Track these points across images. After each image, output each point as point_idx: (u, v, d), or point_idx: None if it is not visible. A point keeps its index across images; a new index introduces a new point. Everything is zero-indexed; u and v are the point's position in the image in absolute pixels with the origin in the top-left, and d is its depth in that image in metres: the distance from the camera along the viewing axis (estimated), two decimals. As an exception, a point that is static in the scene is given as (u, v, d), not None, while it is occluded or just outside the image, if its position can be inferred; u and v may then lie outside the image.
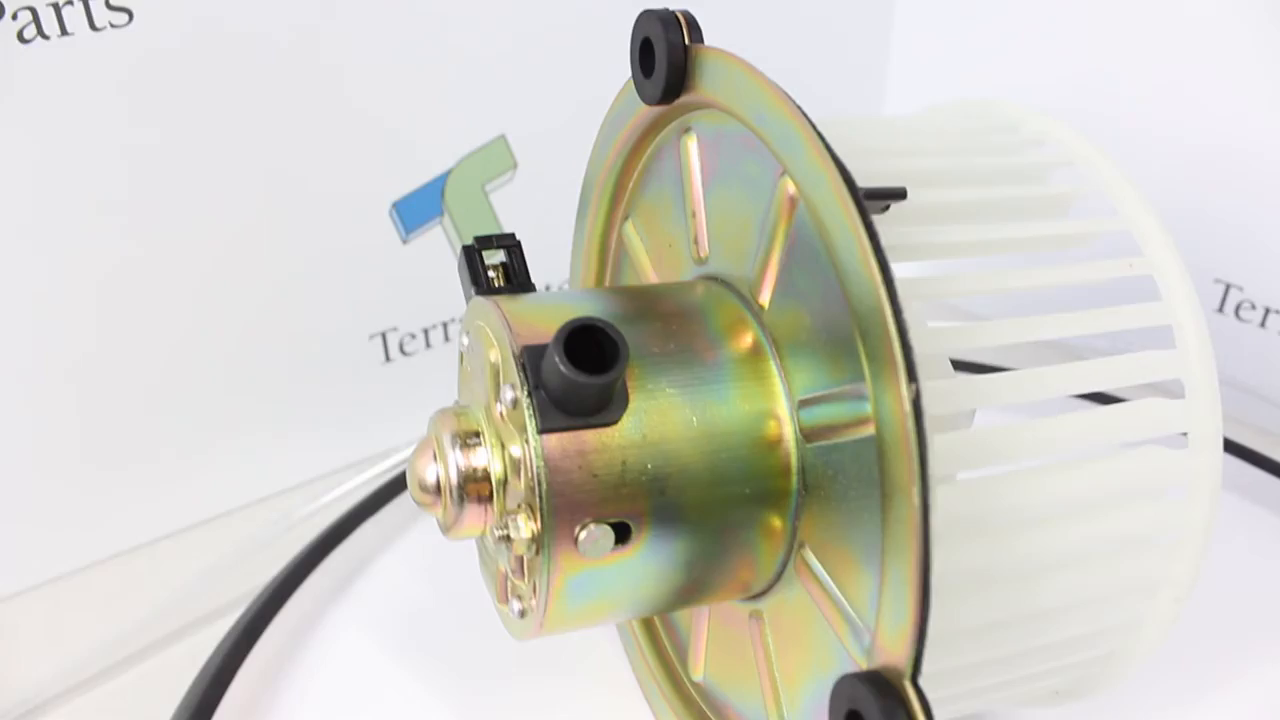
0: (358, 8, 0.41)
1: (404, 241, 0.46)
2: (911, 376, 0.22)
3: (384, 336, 0.47)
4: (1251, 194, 0.48)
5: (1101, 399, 0.42)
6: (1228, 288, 0.50)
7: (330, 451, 0.47)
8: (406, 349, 0.47)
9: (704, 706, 0.34)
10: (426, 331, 0.48)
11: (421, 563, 0.42)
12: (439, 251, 0.47)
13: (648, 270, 0.35)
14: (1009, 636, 0.27)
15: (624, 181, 0.35)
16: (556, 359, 0.25)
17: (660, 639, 0.36)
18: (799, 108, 0.25)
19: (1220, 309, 0.50)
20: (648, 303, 0.30)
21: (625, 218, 0.36)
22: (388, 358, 0.47)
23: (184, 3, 0.38)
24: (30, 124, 0.37)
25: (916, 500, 0.22)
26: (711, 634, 0.33)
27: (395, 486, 0.43)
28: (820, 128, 0.27)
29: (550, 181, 0.46)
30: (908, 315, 0.25)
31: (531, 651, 0.38)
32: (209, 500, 0.45)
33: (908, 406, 0.22)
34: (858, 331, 0.24)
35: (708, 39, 0.29)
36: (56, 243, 0.38)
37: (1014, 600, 0.27)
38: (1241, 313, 0.50)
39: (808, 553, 0.28)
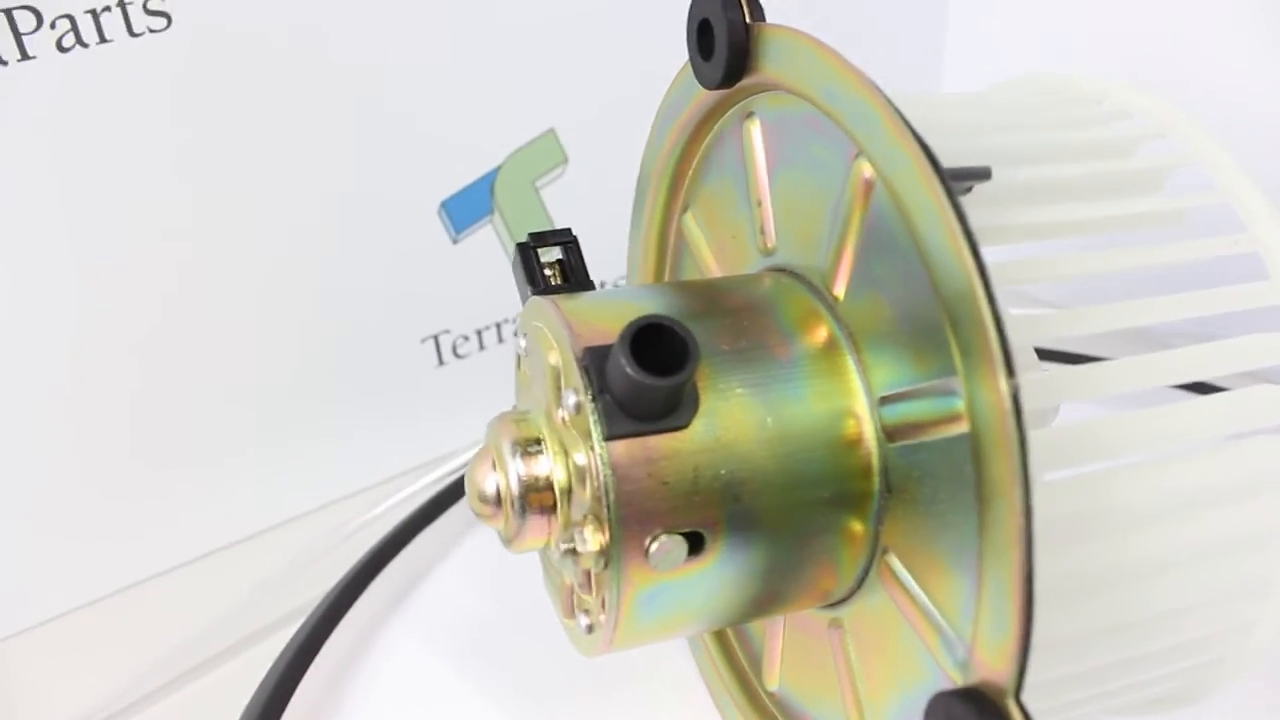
0: (398, 6, 0.40)
1: (454, 241, 0.44)
2: (1010, 370, 0.20)
3: (436, 340, 0.46)
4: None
5: (1199, 390, 0.40)
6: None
7: (385, 458, 0.46)
8: (460, 351, 0.46)
9: (780, 717, 0.33)
10: (480, 333, 0.47)
11: (481, 573, 0.40)
12: (490, 251, 0.45)
13: (710, 263, 0.33)
14: (1110, 645, 0.25)
15: (682, 170, 0.34)
16: (622, 360, 0.23)
17: (733, 648, 0.35)
18: (875, 85, 0.23)
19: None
20: (713, 297, 0.28)
21: (685, 209, 0.34)
22: (441, 361, 0.46)
23: (220, 6, 0.37)
24: (76, 133, 0.36)
25: (1019, 503, 0.20)
26: (787, 642, 0.32)
27: (451, 494, 0.42)
28: (902, 105, 0.25)
29: (603, 175, 0.45)
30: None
31: (597, 666, 0.37)
32: (263, 512, 0.44)
33: (1007, 403, 0.20)
34: (947, 322, 0.22)
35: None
36: (104, 254, 0.38)
37: (1116, 607, 0.25)
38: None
39: (892, 558, 0.26)
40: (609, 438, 0.24)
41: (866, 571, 0.27)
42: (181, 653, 0.38)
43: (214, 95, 0.38)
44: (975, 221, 0.25)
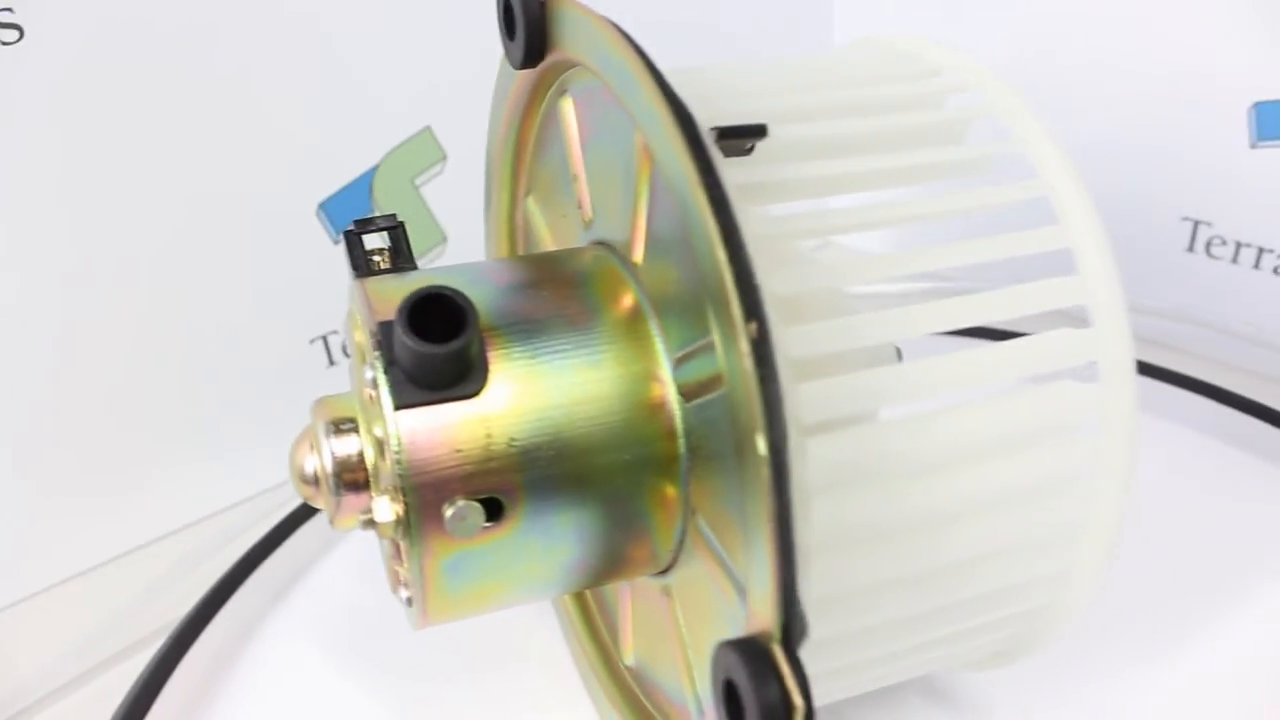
0: (267, 9, 0.40)
1: (335, 242, 0.45)
2: (751, 314, 0.21)
3: (325, 340, 0.46)
4: (1214, 129, 0.46)
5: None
6: (1196, 225, 0.47)
7: (281, 462, 0.46)
8: (350, 350, 0.46)
9: (638, 691, 0.33)
10: (371, 333, 0.47)
11: (362, 566, 0.41)
12: (372, 250, 0.46)
13: (548, 244, 0.33)
14: (917, 594, 0.26)
15: (520, 156, 0.34)
16: (401, 330, 0.24)
17: (597, 625, 0.35)
18: (638, 48, 0.24)
19: (1190, 248, 0.48)
20: (526, 272, 0.29)
21: (527, 193, 0.35)
22: (331, 361, 0.46)
23: (77, 13, 0.37)
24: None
25: (763, 448, 0.21)
26: (635, 614, 0.32)
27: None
28: (687, 73, 0.26)
29: (482, 170, 0.45)
30: (783, 253, 0.24)
31: (474, 647, 0.37)
32: (150, 523, 0.44)
33: (744, 345, 0.21)
34: (701, 275, 0.22)
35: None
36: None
37: (915, 554, 0.25)
38: (1213, 249, 0.47)
39: (699, 520, 0.26)
40: (399, 407, 0.25)
41: (684, 535, 0.27)
42: (54, 668, 0.38)
43: (78, 104, 0.38)
44: (752, 178, 0.25)
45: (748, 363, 0.21)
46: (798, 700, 0.20)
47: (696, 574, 0.27)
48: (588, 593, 0.36)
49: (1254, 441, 0.42)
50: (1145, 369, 0.43)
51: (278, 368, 0.45)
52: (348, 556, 0.41)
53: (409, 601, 0.27)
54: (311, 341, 0.46)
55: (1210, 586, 0.37)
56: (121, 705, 0.34)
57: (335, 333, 0.46)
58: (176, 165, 0.41)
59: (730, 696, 0.22)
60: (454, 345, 0.24)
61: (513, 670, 0.36)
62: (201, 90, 0.40)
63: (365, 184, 0.45)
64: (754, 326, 0.21)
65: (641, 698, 0.33)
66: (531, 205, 0.34)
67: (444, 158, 0.46)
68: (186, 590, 0.39)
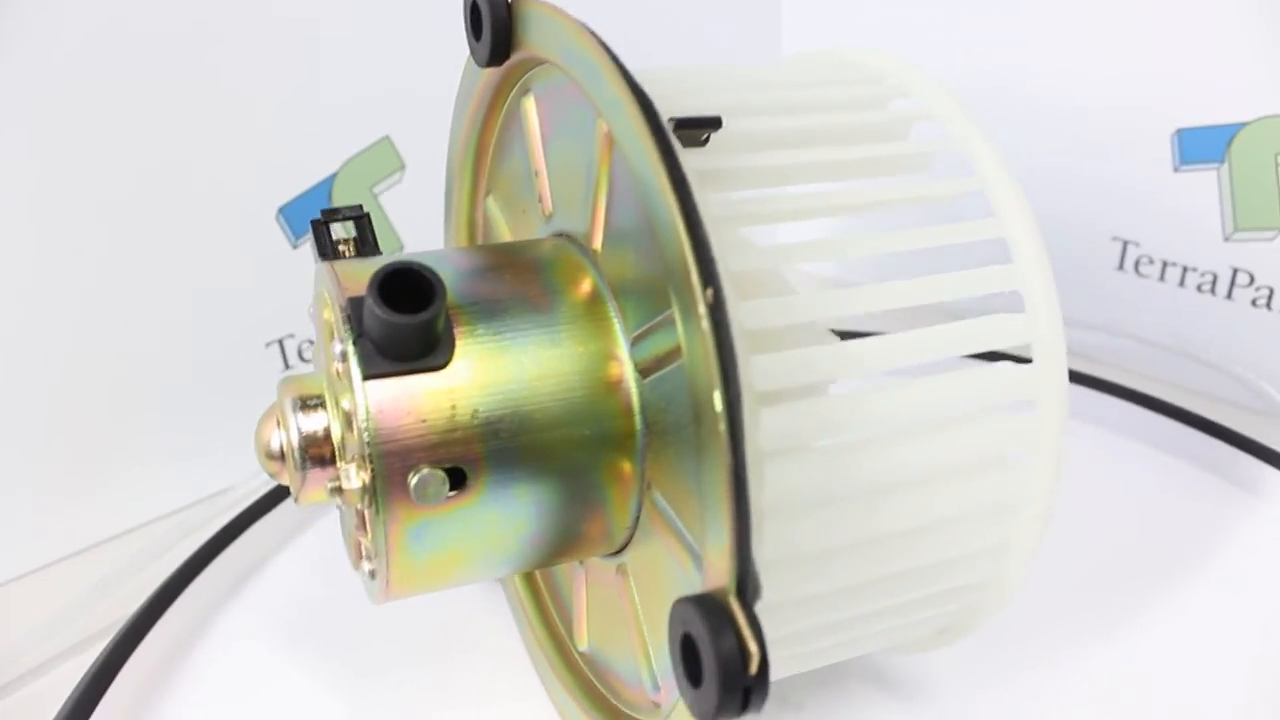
0: (230, 14, 0.41)
1: (294, 247, 0.46)
2: (707, 281, 0.22)
3: (281, 344, 0.47)
4: (1141, 154, 0.48)
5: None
6: (1125, 245, 0.50)
7: (235, 463, 0.46)
8: (306, 355, 0.47)
9: (590, 676, 0.34)
10: (327, 338, 0.47)
11: (317, 560, 0.41)
12: (331, 256, 0.46)
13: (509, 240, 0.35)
14: (858, 563, 0.27)
15: (481, 158, 0.35)
16: (371, 302, 0.25)
17: (550, 614, 0.36)
18: (602, 43, 0.25)
19: (1120, 266, 0.50)
20: (489, 258, 0.30)
21: (487, 193, 0.36)
22: (287, 364, 0.47)
23: (39, 14, 0.38)
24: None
25: (719, 404, 0.22)
26: (590, 598, 0.33)
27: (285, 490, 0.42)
28: (645, 73, 0.27)
29: (440, 179, 0.46)
30: (734, 235, 0.25)
31: (426, 639, 0.37)
32: (102, 523, 0.44)
33: (702, 309, 0.22)
34: (660, 250, 0.24)
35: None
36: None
37: (860, 522, 0.26)
38: (1141, 268, 0.50)
39: (655, 493, 0.28)
40: (367, 377, 0.26)
41: (639, 510, 0.29)
42: (19, 653, 0.38)
43: (44, 103, 0.39)
44: (707, 165, 0.27)
45: (705, 324, 0.22)
46: (753, 648, 0.21)
47: (652, 550, 0.28)
48: (540, 582, 0.36)
49: (1177, 444, 0.44)
50: (1078, 378, 0.46)
51: (233, 370, 0.46)
52: (302, 551, 0.42)
53: (371, 574, 0.28)
54: (268, 345, 0.46)
55: (1136, 575, 0.39)
56: (72, 695, 0.34)
57: (292, 336, 0.47)
58: (136, 164, 0.41)
59: (688, 652, 0.23)
60: (423, 316, 0.25)
61: (465, 661, 0.37)
62: (165, 92, 0.41)
63: (325, 190, 0.46)
64: (710, 292, 0.22)
65: (595, 682, 0.34)
66: (491, 205, 0.35)
67: (402, 167, 0.47)
68: (138, 587, 0.39)
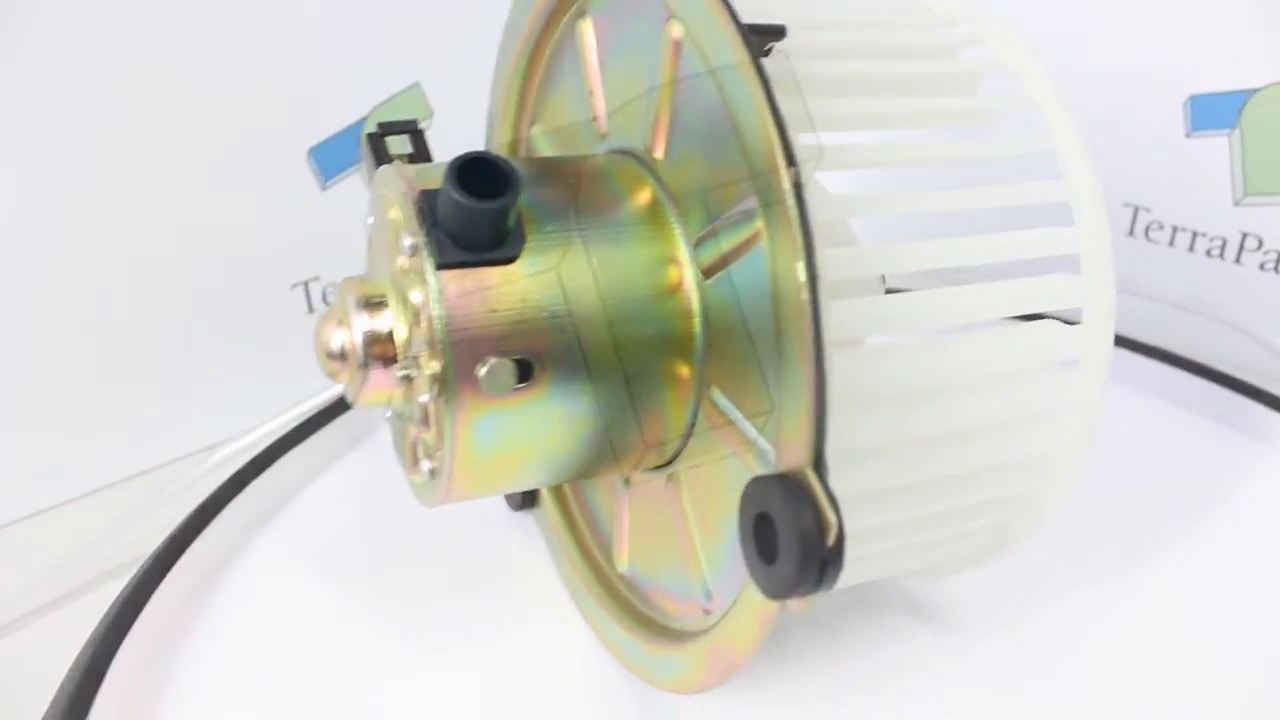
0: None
1: (323, 188, 0.46)
2: (790, 161, 0.23)
3: (306, 286, 0.47)
4: (1154, 120, 0.50)
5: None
6: (1136, 210, 0.51)
7: (256, 404, 0.46)
8: (330, 298, 0.47)
9: (630, 596, 0.34)
10: (350, 284, 0.48)
11: (346, 491, 0.41)
12: (359, 199, 0.47)
13: (555, 166, 0.35)
14: (913, 462, 0.27)
15: (529, 85, 0.36)
16: (450, 187, 0.25)
17: (586, 540, 0.36)
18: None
19: (1130, 232, 0.51)
20: (550, 167, 0.30)
21: (532, 123, 0.36)
22: (311, 308, 0.47)
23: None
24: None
25: (802, 274, 0.22)
26: (633, 519, 0.33)
27: (319, 420, 0.42)
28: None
29: (469, 128, 0.46)
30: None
31: (460, 568, 0.38)
32: (130, 459, 0.44)
33: (787, 184, 0.22)
34: (741, 144, 0.24)
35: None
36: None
37: (912, 422, 0.27)
38: (1151, 233, 0.51)
39: (715, 393, 0.28)
40: (441, 266, 0.26)
41: (695, 416, 0.29)
42: (56, 577, 0.38)
43: (73, 51, 0.39)
44: (773, 69, 0.27)
45: (790, 199, 0.22)
46: (831, 518, 0.22)
47: (708, 451, 0.29)
48: (575, 510, 0.37)
49: (1190, 396, 0.46)
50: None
51: (257, 312, 0.46)
52: (335, 482, 0.42)
53: (432, 473, 0.28)
54: (293, 287, 0.46)
55: (1153, 518, 0.40)
56: (101, 623, 0.34)
57: (317, 279, 0.47)
58: (169, 104, 0.41)
59: (762, 531, 0.23)
60: (500, 202, 0.25)
61: (498, 590, 0.37)
62: (200, 36, 0.41)
63: (354, 133, 0.46)
64: (794, 170, 0.23)
65: (635, 602, 0.34)
66: (537, 133, 0.36)
67: (431, 114, 0.48)
68: (168, 517, 0.39)
